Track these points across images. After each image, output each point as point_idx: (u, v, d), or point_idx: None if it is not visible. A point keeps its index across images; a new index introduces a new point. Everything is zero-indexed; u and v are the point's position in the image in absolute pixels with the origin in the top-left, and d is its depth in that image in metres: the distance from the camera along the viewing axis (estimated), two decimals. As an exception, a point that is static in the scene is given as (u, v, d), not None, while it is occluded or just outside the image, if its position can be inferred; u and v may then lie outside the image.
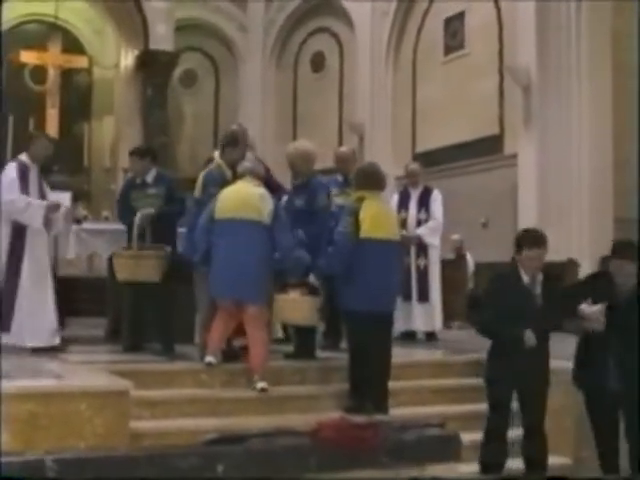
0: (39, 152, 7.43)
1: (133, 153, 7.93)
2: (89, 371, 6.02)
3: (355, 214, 6.51)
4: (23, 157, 7.34)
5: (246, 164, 7.07)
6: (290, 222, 6.88)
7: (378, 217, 6.59)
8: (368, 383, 6.45)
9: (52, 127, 17.21)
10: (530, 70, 12.51)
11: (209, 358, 6.62)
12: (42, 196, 7.32)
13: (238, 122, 7.77)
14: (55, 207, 7.28)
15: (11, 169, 7.20)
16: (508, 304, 5.65)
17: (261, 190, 6.85)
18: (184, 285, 7.32)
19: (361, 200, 6.61)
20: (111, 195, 15.65)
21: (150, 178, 7.74)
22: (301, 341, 7.17)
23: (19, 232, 7.12)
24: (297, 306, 6.75)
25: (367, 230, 6.46)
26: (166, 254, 7.27)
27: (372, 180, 6.75)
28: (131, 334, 7.53)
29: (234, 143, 7.34)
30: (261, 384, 6.43)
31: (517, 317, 5.61)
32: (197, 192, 7.19)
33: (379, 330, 6.48)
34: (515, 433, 5.87)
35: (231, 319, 6.76)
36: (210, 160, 7.69)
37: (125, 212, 7.75)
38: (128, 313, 7.59)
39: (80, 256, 9.43)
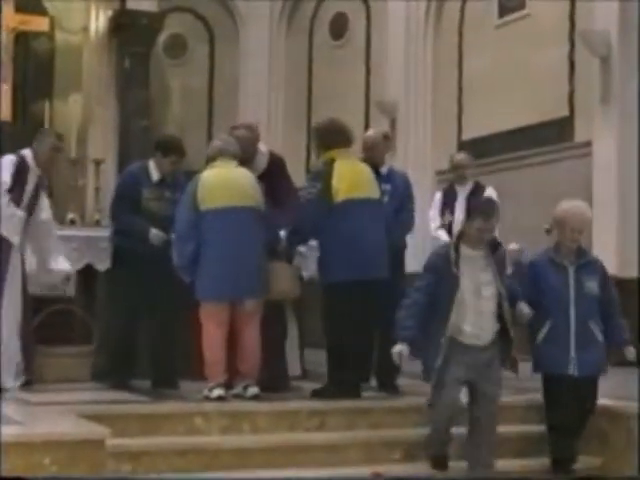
0: (44, 151, 7.51)
1: (176, 149, 7.94)
2: (55, 415, 6.03)
3: (326, 178, 7.14)
4: (27, 152, 7.37)
5: (217, 142, 7.48)
6: None
7: (356, 176, 7.28)
8: (352, 361, 7.10)
9: (4, 107, 17.28)
10: (610, 36, 12.48)
11: (217, 391, 6.74)
12: (33, 205, 7.32)
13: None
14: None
15: (7, 166, 7.22)
16: None
17: (248, 172, 7.36)
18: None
19: (332, 162, 7.22)
20: (79, 193, 15.69)
21: (170, 178, 7.84)
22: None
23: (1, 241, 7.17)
24: (274, 278, 7.20)
25: (345, 191, 7.10)
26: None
27: (340, 137, 7.39)
28: (121, 367, 7.61)
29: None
30: (253, 389, 6.94)
31: None
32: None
33: (367, 299, 7.07)
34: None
35: (221, 329, 7.03)
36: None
37: (129, 211, 7.79)
38: (118, 342, 7.68)
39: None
